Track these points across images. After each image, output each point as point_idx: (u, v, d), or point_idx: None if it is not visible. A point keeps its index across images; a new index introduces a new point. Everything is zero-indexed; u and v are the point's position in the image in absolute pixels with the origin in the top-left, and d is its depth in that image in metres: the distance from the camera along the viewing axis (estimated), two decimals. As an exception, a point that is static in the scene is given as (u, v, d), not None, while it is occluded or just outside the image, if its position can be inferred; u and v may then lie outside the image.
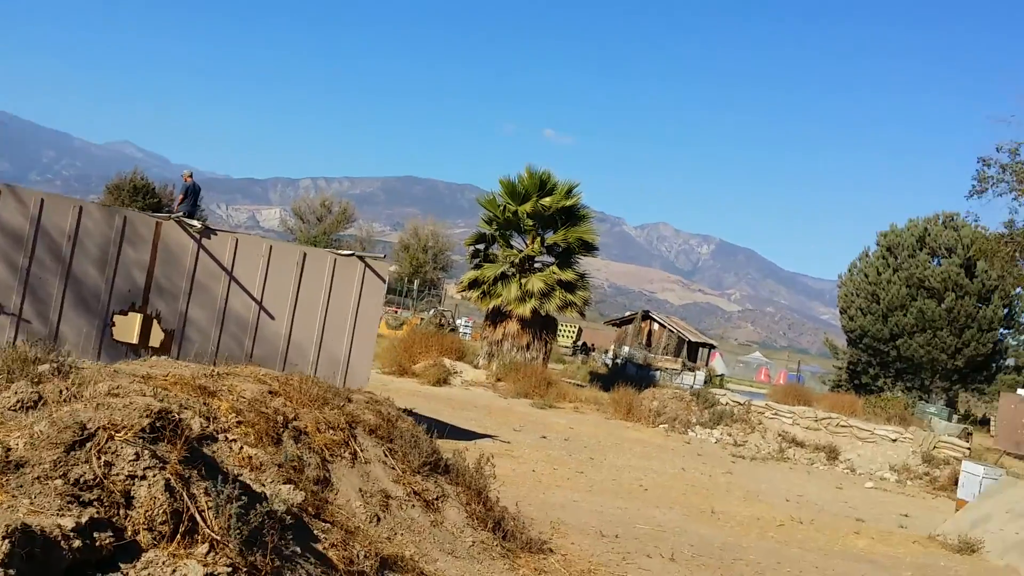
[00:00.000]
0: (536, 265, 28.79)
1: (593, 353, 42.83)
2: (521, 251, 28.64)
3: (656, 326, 39.56)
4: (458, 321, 50.86)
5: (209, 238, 11.55)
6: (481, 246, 29.58)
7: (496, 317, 28.25)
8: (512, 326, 27.78)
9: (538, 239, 28.81)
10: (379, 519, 6.02)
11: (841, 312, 49.36)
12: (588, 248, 29.30)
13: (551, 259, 29.09)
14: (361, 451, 6.38)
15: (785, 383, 51.60)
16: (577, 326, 57.16)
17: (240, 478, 4.54)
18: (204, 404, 5.36)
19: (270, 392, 6.26)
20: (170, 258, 11.14)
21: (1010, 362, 46.47)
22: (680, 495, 12.99)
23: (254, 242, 12.17)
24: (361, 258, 12.87)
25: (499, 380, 24.59)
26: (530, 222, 28.36)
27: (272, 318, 12.06)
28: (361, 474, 6.23)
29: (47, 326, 10.38)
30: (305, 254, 12.41)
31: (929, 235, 46.09)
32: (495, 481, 11.51)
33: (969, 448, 19.83)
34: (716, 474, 15.84)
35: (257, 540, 3.84)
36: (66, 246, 10.65)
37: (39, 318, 10.49)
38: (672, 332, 39.20)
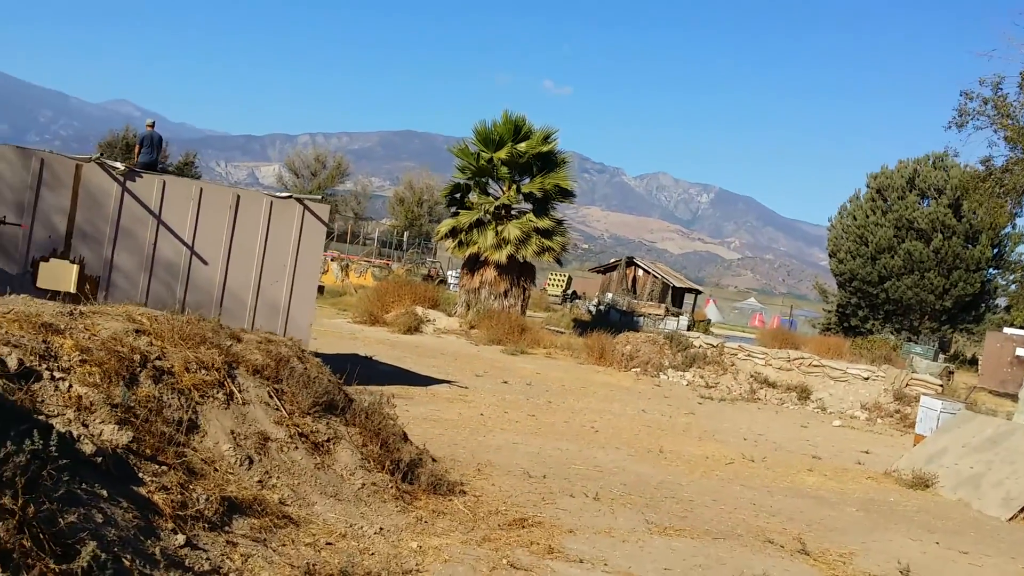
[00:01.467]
0: (513, 212, 28.35)
1: (578, 301, 42.51)
2: (497, 198, 28.20)
3: (641, 272, 39.18)
4: (449, 273, 50.51)
5: (134, 180, 11.15)
6: (458, 195, 29.12)
7: (473, 265, 27.92)
8: (489, 273, 27.43)
9: (514, 186, 28.34)
10: (252, 462, 5.73)
11: (830, 255, 48.97)
12: (566, 195, 28.86)
13: (529, 206, 28.66)
14: (239, 392, 6.08)
15: (777, 328, 51.35)
16: (567, 275, 56.82)
17: (54, 417, 4.22)
18: (43, 342, 5.03)
19: (137, 331, 5.93)
20: (92, 202, 10.77)
21: (1000, 302, 46.15)
22: (632, 436, 12.74)
23: (183, 184, 11.78)
24: (299, 200, 12.48)
25: (472, 327, 24.30)
26: (505, 169, 27.88)
27: (205, 263, 11.71)
28: (236, 416, 5.93)
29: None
30: (239, 196, 12.03)
31: (919, 176, 45.52)
32: (436, 424, 11.32)
33: (942, 385, 19.58)
34: (677, 415, 15.59)
35: (37, 484, 3.52)
36: (-24, 190, 10.29)
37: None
38: (657, 278, 38.82)
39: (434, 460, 8.47)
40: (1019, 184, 22.95)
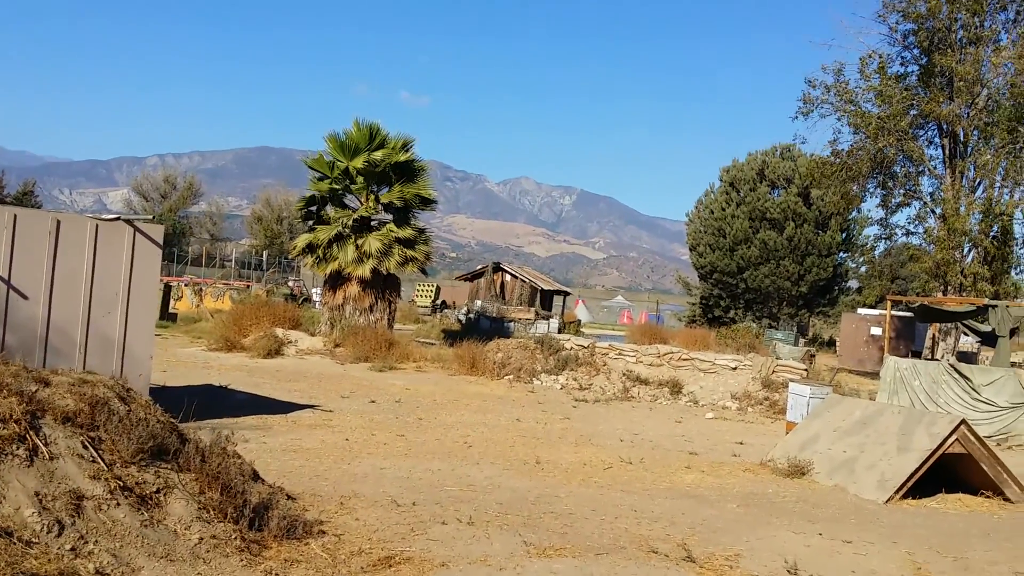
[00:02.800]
0: (373, 224, 27.54)
1: (447, 311, 41.94)
2: (356, 210, 27.32)
3: (508, 277, 38.92)
4: (313, 290, 49.09)
5: (-66, 213, 9.98)
6: (313, 208, 28.11)
7: (336, 281, 26.94)
8: (353, 288, 26.52)
9: (372, 196, 27.52)
10: (62, 527, 4.92)
11: (691, 249, 49.98)
12: (427, 203, 28.20)
13: (389, 216, 27.90)
14: (45, 446, 5.24)
15: (645, 323, 52.00)
16: (435, 285, 56.13)
17: None
18: None
19: (-86, 383, 5.03)
20: None
21: (852, 284, 48.00)
22: (507, 448, 12.24)
23: (-8, 213, 10.62)
24: (129, 222, 11.46)
25: (337, 346, 23.39)
26: (362, 179, 27.02)
27: (25, 298, 10.58)
28: (41, 474, 5.10)
29: None
30: (59, 221, 10.93)
31: (768, 167, 46.90)
32: (296, 455, 10.53)
33: (806, 370, 19.87)
34: (552, 421, 15.20)
35: None
36: None
37: None
38: (525, 282, 38.63)
39: (291, 498, 7.76)
40: (864, 168, 23.67)
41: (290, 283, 55.07)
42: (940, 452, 10.25)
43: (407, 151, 27.26)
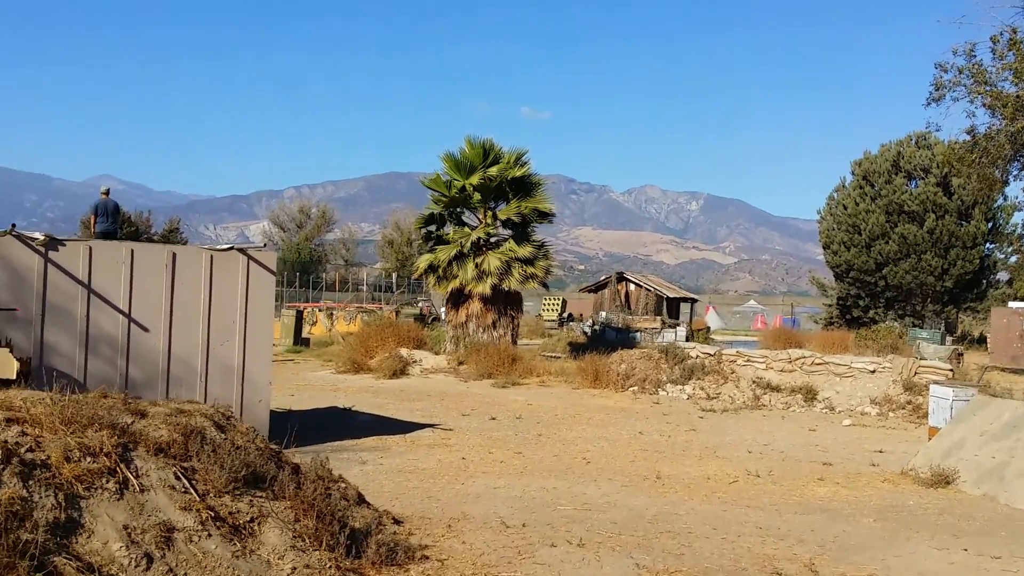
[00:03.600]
0: (492, 240, 27.56)
1: (571, 323, 41.62)
2: (474, 227, 27.41)
3: (632, 287, 38.35)
4: (441, 310, 49.59)
5: (56, 250, 10.33)
6: (433, 227, 28.35)
7: (458, 299, 27.06)
8: (475, 306, 26.58)
9: (490, 213, 27.56)
10: (151, 560, 4.87)
11: (824, 248, 48.17)
12: (544, 216, 28.06)
13: (507, 232, 27.88)
14: (135, 478, 5.22)
15: (779, 328, 50.43)
16: (561, 298, 55.94)
17: None
18: None
19: (8, 420, 5.08)
20: (14, 278, 9.94)
21: (1001, 276, 45.27)
22: (627, 463, 11.84)
23: (111, 248, 10.93)
24: (242, 251, 11.66)
25: (461, 364, 23.42)
26: (478, 196, 27.08)
27: (146, 331, 10.86)
28: (131, 507, 5.07)
29: None
30: (175, 253, 11.20)
31: (903, 157, 44.84)
32: (411, 476, 10.43)
33: (952, 370, 18.67)
34: (677, 433, 14.69)
35: None
36: None
37: None
38: (649, 291, 37.99)
39: (397, 522, 7.63)
40: (1004, 151, 22.20)
41: (420, 303, 55.79)
42: (1102, 455, 9.34)
43: (521, 165, 27.19)
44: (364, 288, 69.66)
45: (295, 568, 5.43)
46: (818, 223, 49.46)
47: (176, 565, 4.96)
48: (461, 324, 26.69)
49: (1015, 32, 20.48)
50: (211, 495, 5.56)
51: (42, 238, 10.36)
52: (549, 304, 54.70)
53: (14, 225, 9.63)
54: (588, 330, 35.81)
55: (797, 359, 19.57)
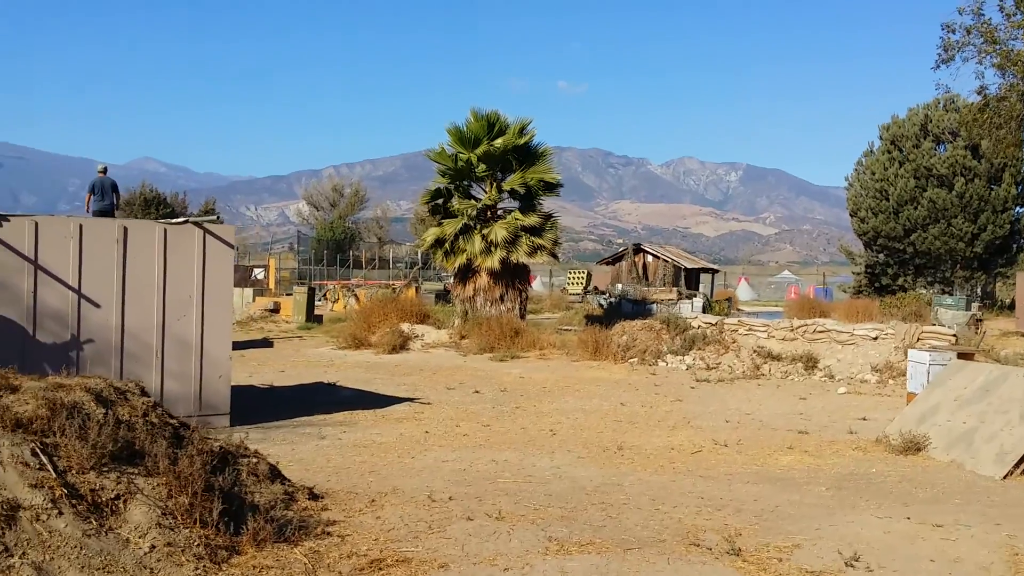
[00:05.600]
0: (499, 213, 27.22)
1: (588, 296, 41.22)
2: (480, 200, 27.08)
3: (650, 258, 37.81)
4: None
5: (0, 226, 10.20)
6: (440, 201, 28.04)
7: (465, 274, 26.78)
8: (482, 280, 26.29)
9: (495, 185, 27.20)
10: (-14, 538, 4.65)
11: (852, 215, 47.16)
12: (551, 188, 27.59)
13: (515, 204, 27.53)
14: (-18, 454, 5.00)
15: (805, 298, 49.63)
16: (586, 271, 55.52)
17: None
18: None
19: None
20: (-45, 256, 9.83)
21: (1031, 240, 44.01)
22: (593, 434, 11.54)
23: (59, 223, 10.77)
24: (198, 224, 11.46)
25: (463, 338, 23.18)
26: (484, 167, 26.70)
27: (98, 307, 10.71)
28: (-27, 484, 4.85)
29: None
30: (126, 228, 11.02)
31: (931, 121, 43.68)
32: (362, 450, 10.22)
33: (956, 335, 18.06)
34: (661, 404, 14.34)
35: None
36: None
37: None
38: (667, 262, 37.43)
39: (315, 497, 7.42)
40: (1017, 111, 21.38)
41: (444, 281, 55.65)
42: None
43: (525, 135, 26.75)
44: (397, 266, 69.57)
45: (154, 546, 5.21)
46: (846, 189, 48.43)
47: (15, 544, 4.76)
48: (468, 298, 26.41)
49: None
50: (72, 472, 5.36)
51: (-17, 215, 10.24)
52: (574, 277, 54.32)
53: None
54: (604, 303, 35.41)
55: (799, 327, 19.08)
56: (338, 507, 7.32)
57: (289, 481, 7.42)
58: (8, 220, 10.28)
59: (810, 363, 18.14)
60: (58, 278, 10.48)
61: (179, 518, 5.52)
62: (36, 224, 10.42)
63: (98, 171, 21.69)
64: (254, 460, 7.13)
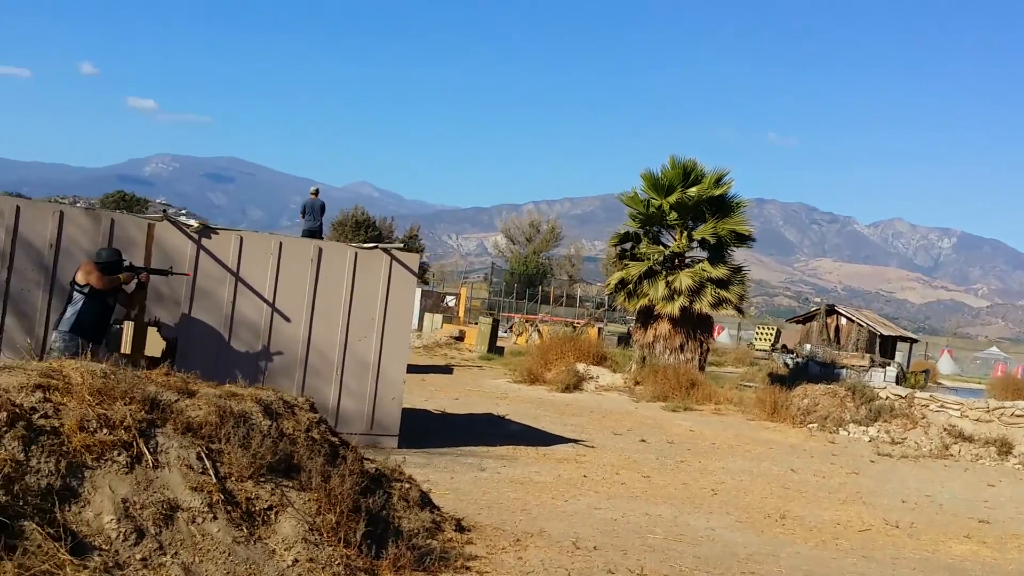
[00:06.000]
0: (686, 261, 26.92)
1: (774, 354, 39.90)
2: (668, 247, 26.87)
3: (844, 321, 36.26)
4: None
5: (209, 238, 10.97)
6: (628, 245, 28.01)
7: (647, 319, 26.58)
8: (663, 327, 26.00)
9: (685, 233, 26.92)
10: (142, 535, 5.00)
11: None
12: (742, 240, 27.05)
13: (704, 254, 27.15)
14: (151, 454, 5.39)
15: (1010, 376, 46.23)
16: (775, 328, 53.94)
17: None
18: None
19: (38, 386, 5.39)
20: (167, 261, 10.63)
21: None
22: (757, 499, 11.14)
23: (261, 239, 11.48)
24: (386, 250, 11.95)
25: (638, 383, 22.97)
26: (675, 215, 26.51)
27: (288, 320, 11.33)
28: (138, 482, 5.23)
29: (33, 339, 10.07)
30: (321, 249, 11.64)
31: None
32: (518, 487, 10.28)
33: None
34: (836, 475, 13.68)
35: None
36: (48, 254, 10.36)
37: (24, 332, 10.23)
38: (862, 326, 35.78)
39: (463, 530, 7.52)
40: None
41: (627, 323, 55.39)
42: None
43: (721, 185, 26.38)
44: (585, 304, 69.94)
45: (297, 560, 5.43)
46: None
47: (168, 543, 5.07)
48: (648, 344, 26.17)
49: None
50: (232, 479, 5.66)
51: (196, 225, 11.06)
52: (762, 333, 52.85)
53: (164, 211, 10.30)
54: (791, 362, 34.21)
55: (995, 409, 17.77)
56: (483, 542, 7.39)
57: (439, 510, 7.56)
58: (217, 233, 11.06)
59: (1004, 448, 16.85)
60: (256, 291, 11.15)
61: (324, 535, 5.73)
62: (241, 239, 11.15)
63: (310, 192, 23.02)
64: (406, 485, 7.32)
